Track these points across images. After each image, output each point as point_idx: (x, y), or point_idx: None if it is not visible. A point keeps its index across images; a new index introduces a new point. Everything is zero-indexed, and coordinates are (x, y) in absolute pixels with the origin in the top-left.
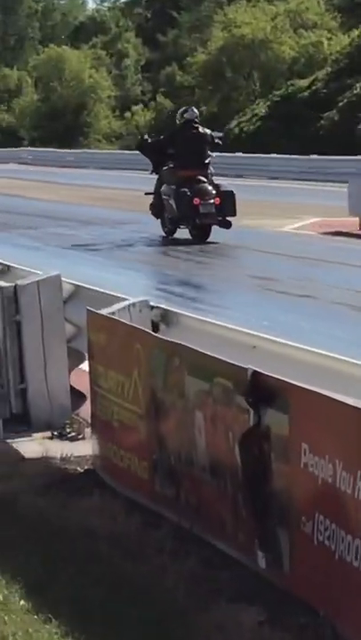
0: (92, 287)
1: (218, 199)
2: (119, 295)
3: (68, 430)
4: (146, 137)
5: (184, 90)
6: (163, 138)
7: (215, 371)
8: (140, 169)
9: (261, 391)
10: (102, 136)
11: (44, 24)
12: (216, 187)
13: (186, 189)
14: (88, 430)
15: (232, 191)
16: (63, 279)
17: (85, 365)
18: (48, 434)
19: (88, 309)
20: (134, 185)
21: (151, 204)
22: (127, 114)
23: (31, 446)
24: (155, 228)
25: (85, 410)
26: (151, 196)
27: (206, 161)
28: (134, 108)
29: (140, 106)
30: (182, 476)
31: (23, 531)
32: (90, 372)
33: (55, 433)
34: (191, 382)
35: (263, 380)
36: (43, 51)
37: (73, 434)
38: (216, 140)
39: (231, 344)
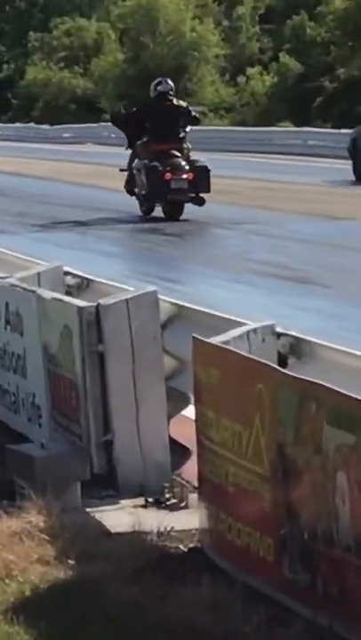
0: (199, 308)
1: (191, 174)
2: (236, 319)
3: (166, 496)
4: (121, 109)
5: (315, 47)
6: (135, 110)
7: None
8: (263, 151)
9: None
10: (208, 108)
11: None
12: (190, 162)
13: (157, 164)
14: (193, 496)
15: (207, 166)
16: (160, 297)
17: (190, 411)
18: (141, 501)
19: (194, 337)
20: (255, 172)
21: (126, 182)
22: (241, 78)
23: (119, 517)
24: (281, 228)
25: (190, 469)
26: (126, 173)
27: (181, 135)
28: (250, 70)
29: (258, 68)
30: (320, 558)
31: (110, 629)
32: (196, 419)
33: (150, 500)
34: (332, 434)
35: None
36: None
37: (173, 501)
38: (193, 114)
39: None
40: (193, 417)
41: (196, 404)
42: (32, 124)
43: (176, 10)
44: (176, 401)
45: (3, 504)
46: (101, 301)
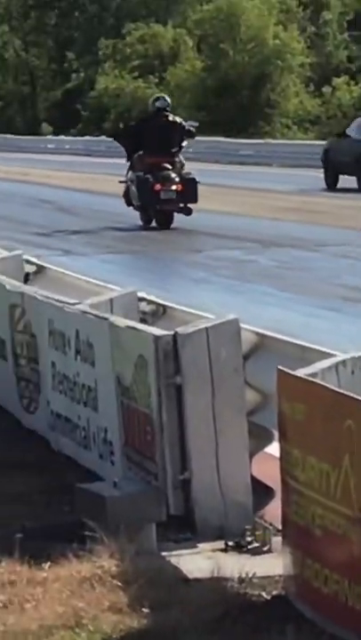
0: (283, 337)
1: (180, 186)
2: (323, 350)
3: (248, 539)
4: (121, 125)
5: None
6: (133, 125)
7: None
8: None
9: None
10: (292, 120)
11: None
12: (181, 174)
13: (149, 176)
14: (277, 540)
15: (195, 178)
16: (242, 325)
17: (274, 448)
18: (220, 544)
19: (279, 369)
20: (343, 192)
21: (123, 193)
22: (326, 89)
23: (197, 562)
24: None
25: (274, 511)
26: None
27: (174, 149)
28: (337, 80)
29: (345, 78)
30: None
31: None
32: (281, 457)
33: (230, 543)
34: None
35: None
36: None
37: (255, 545)
38: (188, 128)
39: None
40: (277, 454)
41: (280, 441)
42: (103, 138)
43: (258, 15)
44: (259, 437)
45: (72, 547)
46: (179, 330)
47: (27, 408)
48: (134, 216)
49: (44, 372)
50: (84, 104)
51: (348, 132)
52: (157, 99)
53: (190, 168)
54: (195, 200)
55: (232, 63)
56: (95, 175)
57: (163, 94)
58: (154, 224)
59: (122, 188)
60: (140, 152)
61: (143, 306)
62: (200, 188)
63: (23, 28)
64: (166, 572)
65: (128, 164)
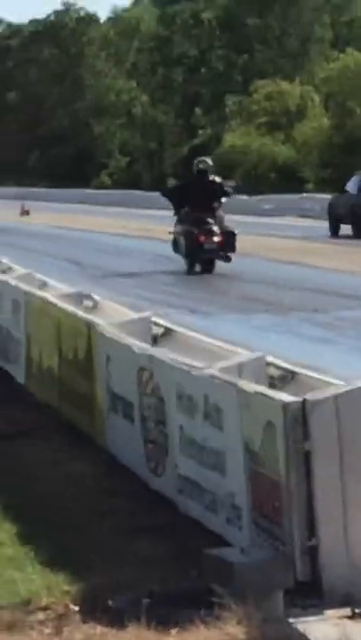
0: None
1: (221, 238)
2: None
3: None
4: (168, 183)
5: None
6: (180, 184)
7: None
8: None
9: None
10: None
11: (337, 20)
12: (221, 227)
13: (194, 229)
14: None
15: (233, 231)
16: None
17: None
18: (348, 611)
19: None
20: None
21: (172, 243)
22: None
23: (324, 629)
24: None
25: None
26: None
27: (215, 205)
28: None
29: None
30: None
31: None
32: None
33: (358, 610)
34: None
35: None
36: (336, 57)
37: None
38: (226, 189)
39: None
40: None
41: None
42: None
43: None
44: None
45: (199, 613)
46: (308, 396)
47: (154, 471)
48: (257, 274)
49: (171, 435)
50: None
51: (347, 187)
52: (201, 161)
53: (318, 226)
54: (233, 250)
55: (359, 121)
56: None
57: (205, 158)
58: (197, 268)
59: (170, 237)
60: (186, 208)
61: (272, 371)
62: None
63: (150, 84)
64: (293, 639)
65: (176, 217)
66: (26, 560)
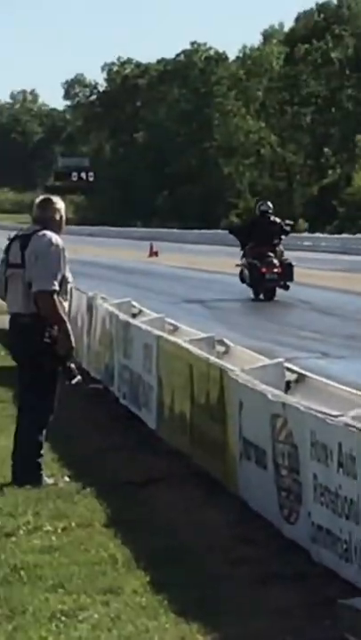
0: None
1: (280, 269)
2: None
3: None
4: (235, 223)
5: None
6: (246, 225)
7: None
8: None
9: None
10: None
11: None
12: (281, 260)
13: (257, 262)
14: None
15: (291, 263)
16: None
17: None
18: None
19: None
20: None
21: (239, 274)
22: None
23: None
24: None
25: None
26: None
27: (275, 242)
28: None
29: None
30: None
31: None
32: None
33: None
34: None
35: None
36: None
37: None
38: (285, 227)
39: None
40: None
41: None
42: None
43: None
44: None
45: None
46: None
47: (287, 518)
48: None
49: (305, 483)
50: (340, 200)
51: None
52: (262, 204)
53: None
54: (291, 279)
55: None
56: (349, 274)
57: (266, 201)
58: (261, 296)
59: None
60: (251, 244)
61: None
62: None
63: (279, 123)
64: None
65: (242, 252)
66: (159, 609)
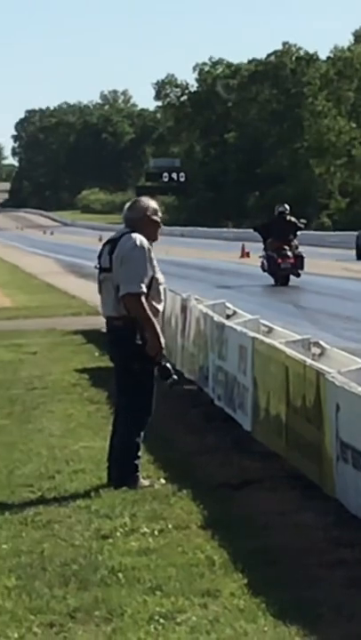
0: None
1: (293, 260)
2: None
3: None
4: (258, 222)
5: None
6: (267, 223)
7: None
8: None
9: None
10: None
11: None
12: (294, 253)
13: (274, 254)
14: None
15: (302, 255)
16: None
17: None
18: None
19: None
20: None
21: (260, 264)
22: None
23: None
24: None
25: None
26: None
27: (290, 237)
28: None
29: None
30: None
31: None
32: None
33: None
34: None
35: None
36: None
37: None
38: (299, 225)
39: None
40: None
41: None
42: None
43: None
44: None
45: None
46: None
47: None
48: None
49: None
50: None
51: None
52: (280, 206)
53: None
54: (302, 268)
55: None
56: None
57: (283, 204)
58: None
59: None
60: (270, 239)
61: None
62: None
63: None
64: None
65: (263, 246)
66: (257, 611)
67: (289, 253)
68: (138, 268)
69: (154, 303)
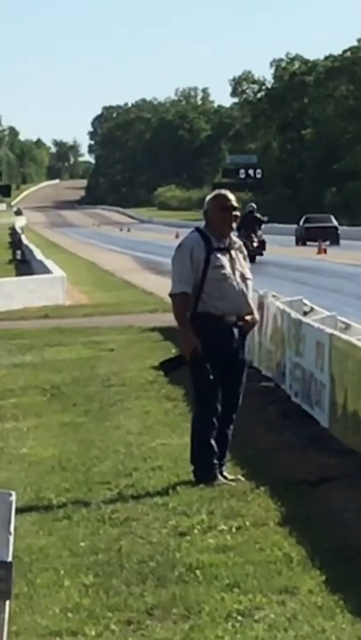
0: None
1: (257, 244)
2: None
3: None
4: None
5: None
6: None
7: None
8: None
9: None
10: None
11: None
12: (258, 240)
13: (244, 240)
14: None
15: (264, 240)
16: None
17: None
18: None
19: None
20: None
21: None
22: None
23: None
24: None
25: None
26: None
27: (256, 228)
28: None
29: None
30: None
31: None
32: None
33: None
34: None
35: None
36: None
37: None
38: (262, 219)
39: None
40: None
41: None
42: None
43: None
44: None
45: None
46: None
47: None
48: None
49: None
50: None
51: None
52: (250, 205)
53: None
54: (264, 249)
55: None
56: None
57: (251, 203)
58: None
59: None
60: (242, 230)
61: None
62: None
63: None
64: None
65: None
66: (335, 609)
67: (255, 239)
68: (177, 268)
69: (213, 302)
